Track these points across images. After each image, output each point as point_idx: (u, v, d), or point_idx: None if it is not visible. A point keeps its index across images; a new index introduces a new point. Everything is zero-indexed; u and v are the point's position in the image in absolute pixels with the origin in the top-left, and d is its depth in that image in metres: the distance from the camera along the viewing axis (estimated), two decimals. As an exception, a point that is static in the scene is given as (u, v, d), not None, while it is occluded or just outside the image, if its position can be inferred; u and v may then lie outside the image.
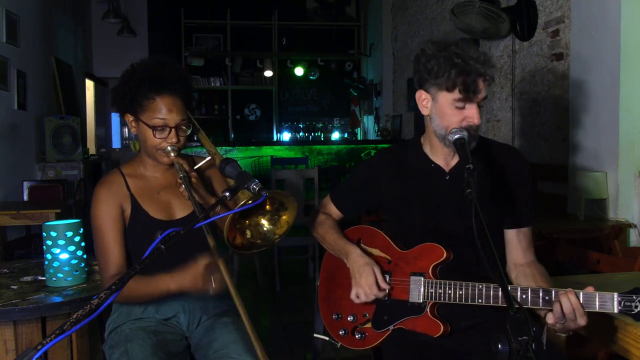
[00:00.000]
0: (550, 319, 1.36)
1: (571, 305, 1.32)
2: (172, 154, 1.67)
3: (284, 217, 1.55)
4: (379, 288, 1.59)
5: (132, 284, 1.61)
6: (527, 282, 1.58)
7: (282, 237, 1.56)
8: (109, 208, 1.70)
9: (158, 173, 1.79)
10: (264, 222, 1.56)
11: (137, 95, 1.65)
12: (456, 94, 1.50)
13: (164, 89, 1.65)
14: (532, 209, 1.67)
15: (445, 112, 1.54)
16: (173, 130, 1.67)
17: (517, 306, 1.07)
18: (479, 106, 1.53)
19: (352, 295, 1.62)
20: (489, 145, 1.69)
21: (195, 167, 1.76)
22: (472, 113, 1.52)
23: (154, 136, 1.66)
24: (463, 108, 1.52)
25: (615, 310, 1.29)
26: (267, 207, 1.55)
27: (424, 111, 1.61)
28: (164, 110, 1.65)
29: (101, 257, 1.69)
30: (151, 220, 1.72)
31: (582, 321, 1.33)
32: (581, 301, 1.33)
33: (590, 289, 1.34)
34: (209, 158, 1.79)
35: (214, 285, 1.53)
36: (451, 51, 1.50)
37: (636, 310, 1.26)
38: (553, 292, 1.36)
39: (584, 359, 2.23)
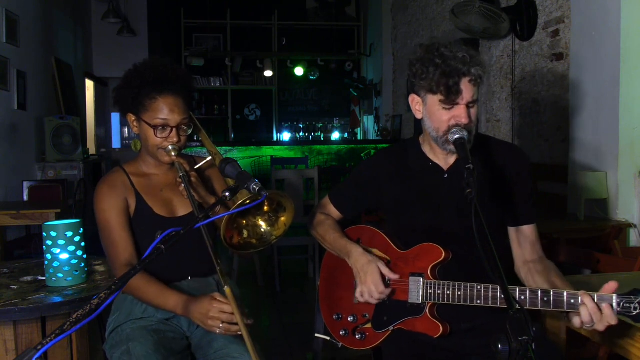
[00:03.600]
0: (577, 323, 1.33)
1: (588, 312, 1.27)
2: (173, 154, 1.68)
3: (281, 218, 1.56)
4: (386, 284, 1.58)
5: (142, 285, 1.62)
6: (540, 277, 1.55)
7: (279, 238, 1.56)
8: (114, 200, 1.71)
9: (159, 172, 1.81)
10: (262, 223, 1.56)
11: (139, 95, 1.67)
12: (440, 96, 1.51)
13: (166, 89, 1.66)
14: (535, 206, 1.66)
15: (434, 113, 1.55)
16: (174, 129, 1.68)
17: (517, 307, 1.07)
18: (469, 107, 1.52)
19: (357, 294, 1.62)
20: (488, 143, 1.69)
21: (196, 167, 1.77)
22: (459, 113, 1.51)
23: (156, 135, 1.68)
24: (451, 109, 1.52)
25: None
26: (265, 207, 1.56)
27: (418, 115, 1.62)
28: (165, 110, 1.66)
29: (110, 248, 1.70)
30: (155, 216, 1.73)
31: (600, 327, 1.28)
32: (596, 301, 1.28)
33: (612, 285, 1.28)
34: (209, 158, 1.79)
35: (221, 326, 1.53)
36: (436, 53, 1.50)
37: (635, 312, 1.24)
38: (552, 293, 1.34)
39: (584, 359, 2.23)
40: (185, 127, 1.71)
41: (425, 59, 1.52)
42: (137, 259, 1.70)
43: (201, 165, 1.80)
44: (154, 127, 1.67)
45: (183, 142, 1.71)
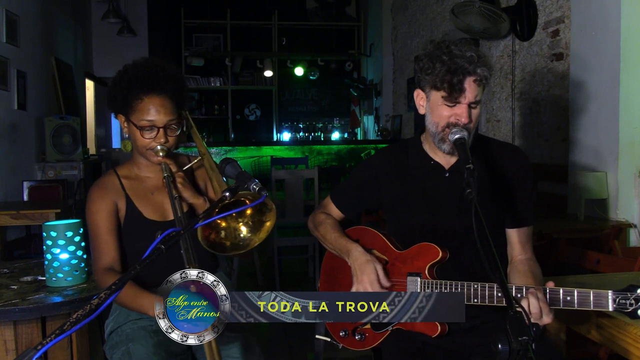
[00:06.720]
0: None
1: (537, 304, 1.31)
2: (161, 154, 1.68)
3: (267, 223, 1.49)
4: (381, 285, 1.58)
5: (123, 291, 1.59)
6: (518, 278, 1.58)
7: (257, 245, 1.47)
8: (103, 204, 1.71)
9: (151, 173, 1.80)
10: (242, 227, 1.50)
11: (127, 96, 1.67)
12: (443, 92, 1.52)
13: (151, 89, 1.66)
14: (535, 207, 1.67)
15: (435, 109, 1.56)
16: (161, 130, 1.67)
17: (517, 307, 1.07)
18: (471, 107, 1.53)
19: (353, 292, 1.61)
20: (489, 144, 1.69)
21: (184, 168, 1.76)
22: (460, 111, 1.52)
23: (142, 136, 1.67)
24: (453, 106, 1.52)
25: (610, 309, 1.28)
26: (248, 211, 1.49)
27: (420, 110, 1.63)
28: (152, 111, 1.66)
29: (94, 250, 1.70)
30: (145, 221, 1.72)
31: (547, 319, 1.32)
32: (548, 298, 1.33)
33: (550, 284, 1.34)
34: (198, 158, 1.79)
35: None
36: (445, 50, 1.51)
37: (631, 309, 1.24)
38: (524, 289, 1.36)
39: (583, 359, 2.23)
40: (174, 127, 1.71)
41: (433, 54, 1.53)
42: (120, 264, 1.69)
43: (189, 166, 1.78)
44: (140, 129, 1.66)
45: (172, 142, 1.71)
